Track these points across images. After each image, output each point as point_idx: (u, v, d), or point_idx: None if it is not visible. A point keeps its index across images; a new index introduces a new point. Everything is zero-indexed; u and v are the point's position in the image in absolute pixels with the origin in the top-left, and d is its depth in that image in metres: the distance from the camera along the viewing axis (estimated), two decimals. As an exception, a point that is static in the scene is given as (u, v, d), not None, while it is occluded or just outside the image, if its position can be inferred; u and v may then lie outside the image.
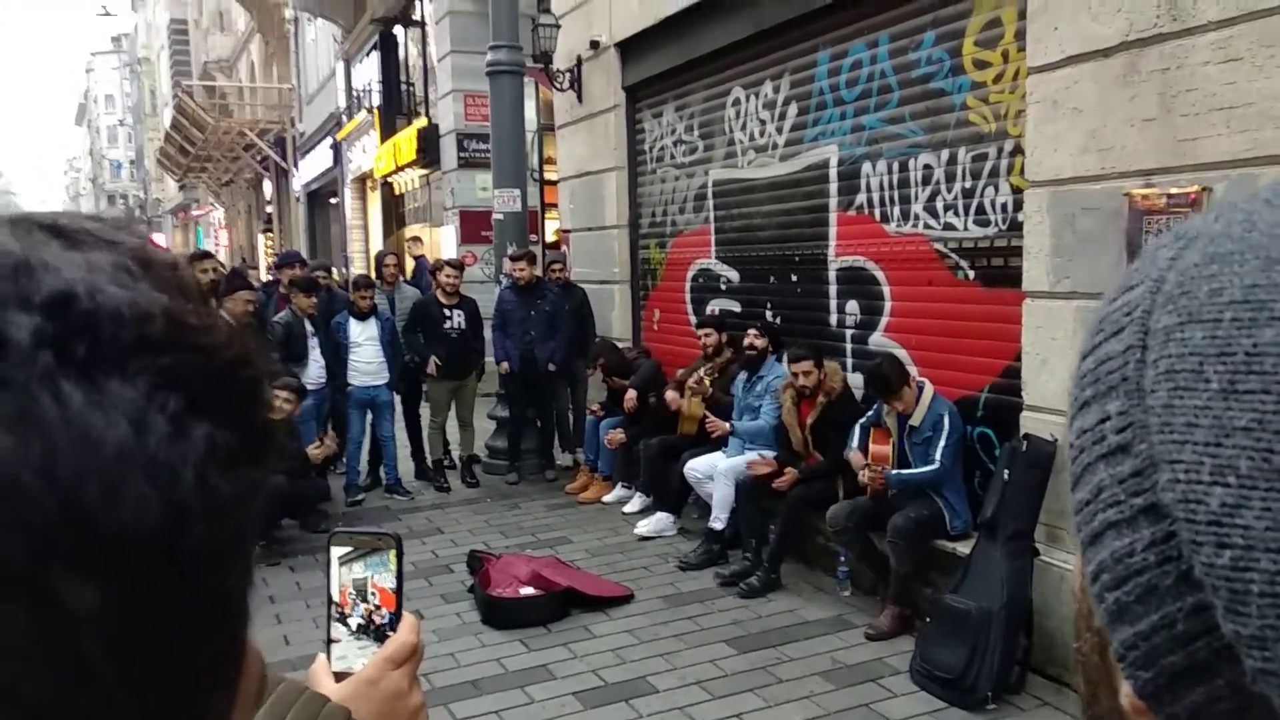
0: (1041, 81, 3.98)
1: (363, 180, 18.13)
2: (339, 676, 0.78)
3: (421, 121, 13.73)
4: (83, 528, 0.29)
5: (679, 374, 6.49)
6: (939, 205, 4.89)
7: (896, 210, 5.18)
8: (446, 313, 7.22)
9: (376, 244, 16.93)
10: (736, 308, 6.65)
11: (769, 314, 6.29)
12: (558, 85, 8.12)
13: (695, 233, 7.09)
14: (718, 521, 5.50)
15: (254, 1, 22.02)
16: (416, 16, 14.33)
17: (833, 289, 5.74)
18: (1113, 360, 0.35)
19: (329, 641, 0.79)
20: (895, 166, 5.16)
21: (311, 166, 21.41)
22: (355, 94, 17.25)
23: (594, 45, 7.75)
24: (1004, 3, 4.43)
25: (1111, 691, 0.37)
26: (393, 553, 0.80)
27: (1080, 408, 0.36)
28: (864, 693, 3.93)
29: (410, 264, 11.21)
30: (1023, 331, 4.17)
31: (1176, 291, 0.33)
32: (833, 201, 5.67)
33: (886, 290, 5.33)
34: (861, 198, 5.43)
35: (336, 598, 0.79)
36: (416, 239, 12.18)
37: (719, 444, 5.86)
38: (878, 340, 5.38)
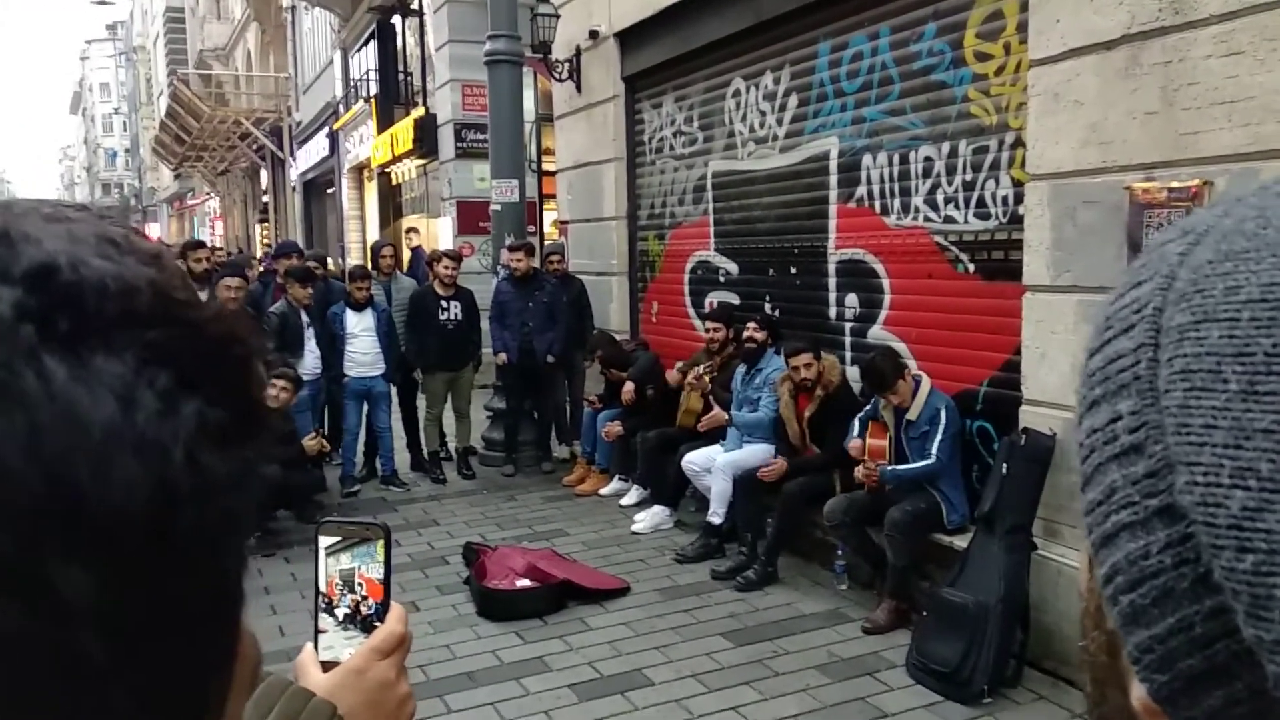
0: (1043, 74, 3.97)
1: (360, 170, 18.10)
2: (326, 666, 0.78)
3: (419, 111, 13.68)
4: (72, 509, 0.27)
5: (678, 365, 6.48)
6: (939, 198, 4.88)
7: (897, 203, 5.17)
8: (443, 304, 7.21)
9: (373, 234, 16.90)
10: (735, 300, 6.64)
11: (768, 306, 6.28)
12: (556, 75, 8.10)
13: (694, 224, 7.08)
14: (715, 515, 5.50)
15: (251, -10, 21.98)
16: (414, 5, 14.28)
17: (832, 281, 5.73)
18: (1124, 358, 0.34)
19: (316, 632, 0.79)
20: (896, 159, 5.15)
21: (308, 156, 21.37)
22: (352, 83, 17.22)
23: (593, 35, 7.72)
24: (1006, -5, 4.42)
25: (1120, 692, 0.36)
26: (381, 543, 0.80)
27: (1090, 406, 0.35)
28: (860, 686, 3.93)
29: (407, 255, 11.19)
30: (1022, 325, 4.16)
31: (1190, 289, 0.32)
32: (833, 194, 5.66)
33: (886, 283, 5.32)
34: (862, 190, 5.42)
35: (323, 588, 0.79)
36: (414, 230, 12.19)
37: (717, 437, 5.86)
38: (877, 333, 5.37)
